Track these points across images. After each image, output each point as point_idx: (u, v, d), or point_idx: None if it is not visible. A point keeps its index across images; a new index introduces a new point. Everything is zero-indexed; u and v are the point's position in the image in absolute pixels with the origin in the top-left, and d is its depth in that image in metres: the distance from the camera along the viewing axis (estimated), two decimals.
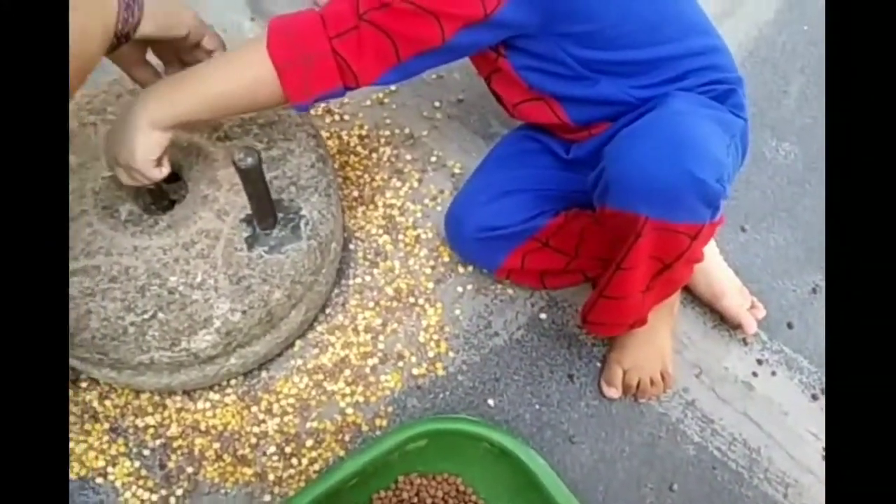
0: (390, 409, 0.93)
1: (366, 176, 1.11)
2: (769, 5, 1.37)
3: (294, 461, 0.89)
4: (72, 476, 0.87)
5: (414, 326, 0.99)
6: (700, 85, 0.81)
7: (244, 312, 0.82)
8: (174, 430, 0.90)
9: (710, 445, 0.92)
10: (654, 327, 0.91)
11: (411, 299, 1.01)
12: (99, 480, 0.87)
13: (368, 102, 1.19)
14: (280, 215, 0.86)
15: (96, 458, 0.88)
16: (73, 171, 0.88)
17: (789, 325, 1.01)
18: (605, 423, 0.93)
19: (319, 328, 0.98)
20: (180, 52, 0.79)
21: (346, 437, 0.91)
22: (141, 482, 0.87)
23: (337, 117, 1.17)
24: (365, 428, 0.92)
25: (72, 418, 0.90)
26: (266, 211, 0.83)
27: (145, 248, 0.84)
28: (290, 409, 0.92)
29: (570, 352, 0.98)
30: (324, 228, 0.88)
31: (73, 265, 0.82)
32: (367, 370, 0.95)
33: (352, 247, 1.05)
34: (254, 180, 0.78)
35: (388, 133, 1.16)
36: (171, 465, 0.88)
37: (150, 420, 0.91)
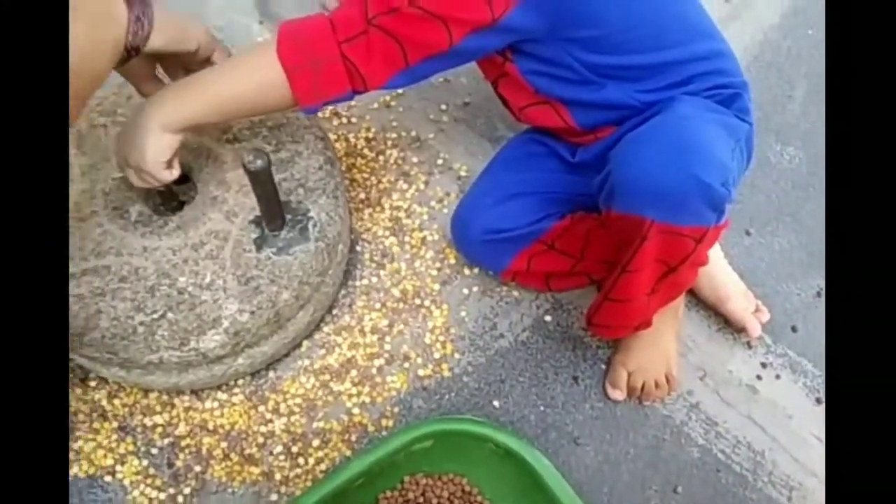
0: (396, 409, 0.94)
1: (372, 178, 1.12)
2: (774, 10, 1.37)
3: (301, 461, 0.90)
4: (80, 474, 0.88)
5: (420, 328, 1.00)
6: (705, 89, 0.81)
7: (252, 313, 0.83)
8: (182, 429, 0.91)
9: (715, 448, 0.93)
10: (658, 330, 0.91)
11: (417, 301, 1.01)
12: (107, 478, 0.88)
13: (375, 105, 1.19)
14: (288, 217, 0.86)
15: (105, 456, 0.89)
16: (83, 172, 0.90)
17: (793, 329, 1.02)
18: (610, 425, 0.94)
19: (326, 329, 0.99)
20: (189, 67, 0.79)
21: (353, 437, 0.91)
22: (149, 481, 0.88)
23: (344, 120, 1.18)
24: (371, 428, 0.92)
25: (81, 417, 0.91)
26: (275, 212, 0.84)
27: (155, 248, 0.85)
28: (296, 409, 0.93)
29: (575, 354, 0.99)
30: (331, 230, 0.89)
31: (83, 265, 0.83)
32: (374, 371, 0.96)
33: (358, 248, 1.05)
34: (263, 182, 0.78)
35: (394, 136, 1.17)
36: (178, 463, 0.89)
37: (158, 419, 0.91)
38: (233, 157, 0.90)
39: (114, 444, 0.90)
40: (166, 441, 0.90)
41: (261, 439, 0.91)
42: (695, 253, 0.77)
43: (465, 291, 1.03)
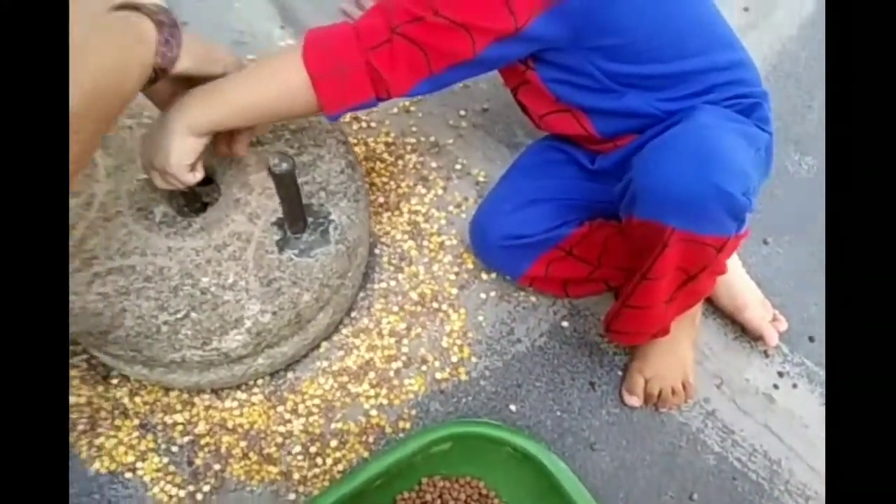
0: (413, 412, 0.95)
1: (391, 182, 1.13)
2: (792, 20, 1.37)
3: (318, 461, 0.91)
4: (102, 470, 0.89)
5: (437, 331, 1.00)
6: (726, 98, 0.82)
7: (274, 314, 0.84)
8: (202, 427, 0.92)
9: (731, 456, 0.93)
10: (676, 337, 0.91)
11: (435, 304, 1.02)
12: (128, 475, 0.89)
13: (395, 110, 1.21)
14: (310, 219, 0.88)
15: (126, 453, 0.90)
16: (109, 172, 0.91)
17: (811, 339, 1.01)
18: (626, 432, 0.94)
19: (345, 331, 1.00)
20: None
21: (370, 439, 0.92)
22: (169, 478, 0.89)
23: (364, 124, 1.19)
24: (388, 430, 0.93)
25: (102, 414, 0.93)
26: (297, 215, 0.85)
27: (179, 249, 0.86)
28: (315, 410, 0.94)
29: (592, 360, 0.99)
30: (352, 233, 0.90)
31: (108, 264, 0.84)
32: (391, 373, 0.97)
33: (377, 252, 1.06)
34: (287, 185, 0.80)
35: (413, 141, 1.18)
36: (198, 461, 0.90)
37: (178, 417, 0.93)
38: (256, 160, 0.92)
39: (135, 441, 0.91)
40: (186, 439, 0.92)
41: (279, 439, 0.92)
42: (715, 262, 0.77)
43: (483, 296, 1.04)
